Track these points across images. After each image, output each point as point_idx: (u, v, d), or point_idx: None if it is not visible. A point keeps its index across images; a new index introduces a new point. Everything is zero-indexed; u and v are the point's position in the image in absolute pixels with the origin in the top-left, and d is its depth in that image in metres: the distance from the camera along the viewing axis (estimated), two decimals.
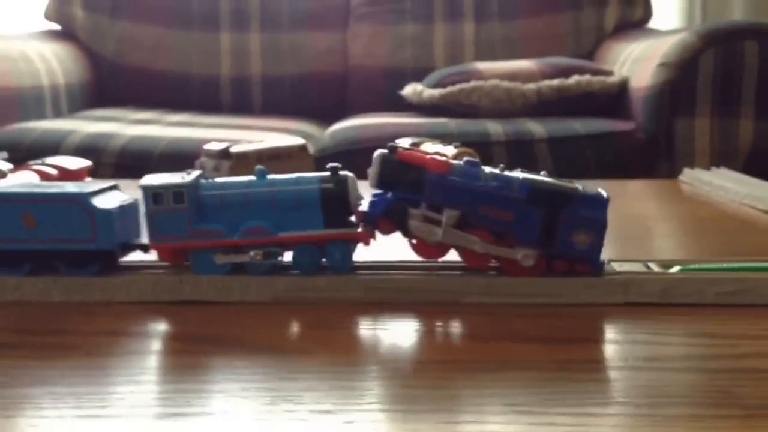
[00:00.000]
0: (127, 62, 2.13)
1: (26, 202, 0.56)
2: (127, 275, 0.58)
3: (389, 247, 0.60)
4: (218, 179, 0.59)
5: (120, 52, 2.13)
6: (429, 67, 2.05)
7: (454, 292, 0.57)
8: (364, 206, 0.57)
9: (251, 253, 0.56)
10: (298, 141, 1.06)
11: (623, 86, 1.73)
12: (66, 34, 2.11)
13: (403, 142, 1.07)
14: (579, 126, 1.63)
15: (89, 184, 0.60)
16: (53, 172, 0.74)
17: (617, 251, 0.73)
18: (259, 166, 0.59)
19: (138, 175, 1.10)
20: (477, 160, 0.97)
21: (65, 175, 0.74)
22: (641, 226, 0.86)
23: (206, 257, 0.57)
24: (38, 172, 0.73)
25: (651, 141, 1.60)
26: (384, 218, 0.57)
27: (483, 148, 1.36)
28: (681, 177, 1.13)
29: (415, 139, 1.07)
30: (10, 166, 0.76)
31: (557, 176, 0.58)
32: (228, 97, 2.14)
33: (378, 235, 0.59)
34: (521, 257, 0.56)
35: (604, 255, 0.57)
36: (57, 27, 2.13)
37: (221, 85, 2.14)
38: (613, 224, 0.79)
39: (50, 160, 0.77)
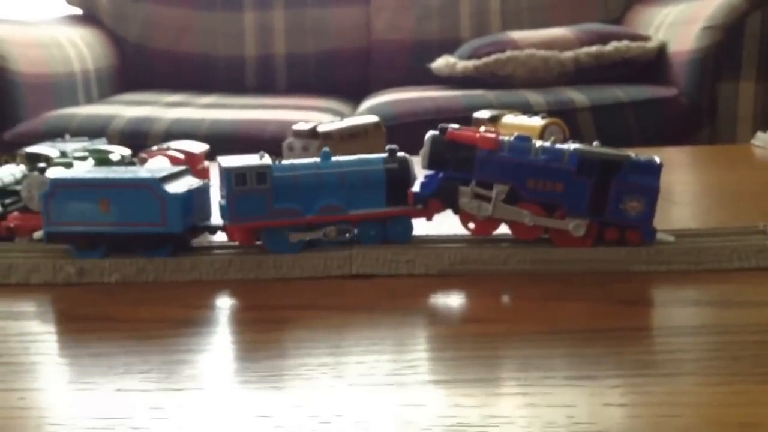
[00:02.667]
0: (152, 45, 2.11)
1: (103, 187, 0.58)
2: (313, 253, 0.59)
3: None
4: (285, 161, 0.61)
5: (144, 35, 2.11)
6: (455, 39, 2.05)
7: (622, 261, 0.57)
8: (415, 187, 0.60)
9: (326, 230, 0.59)
10: (374, 119, 1.05)
11: (661, 51, 1.73)
12: (89, 19, 2.09)
13: (483, 115, 1.07)
14: (621, 93, 1.63)
15: (162, 170, 0.61)
16: (180, 156, 0.74)
17: (742, 215, 0.73)
18: (324, 149, 0.61)
19: None
20: (562, 129, 0.98)
21: (190, 158, 0.74)
22: (747, 191, 0.86)
23: (280, 236, 0.59)
24: (168, 157, 0.73)
25: (694, 106, 1.61)
26: (434, 198, 0.59)
27: None
28: (753, 141, 1.13)
29: (495, 112, 1.06)
30: (129, 151, 0.76)
31: (614, 147, 0.60)
32: (252, 77, 2.13)
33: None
34: (572, 227, 0.57)
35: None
36: (79, 11, 2.11)
37: (246, 65, 2.13)
38: (721, 190, 0.79)
39: (175, 144, 0.77)
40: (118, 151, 0.76)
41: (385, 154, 0.60)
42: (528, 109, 1.57)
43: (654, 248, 0.58)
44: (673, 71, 1.69)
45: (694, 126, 1.62)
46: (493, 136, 0.58)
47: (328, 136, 0.96)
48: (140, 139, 1.50)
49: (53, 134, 1.53)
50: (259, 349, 0.46)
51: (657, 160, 0.58)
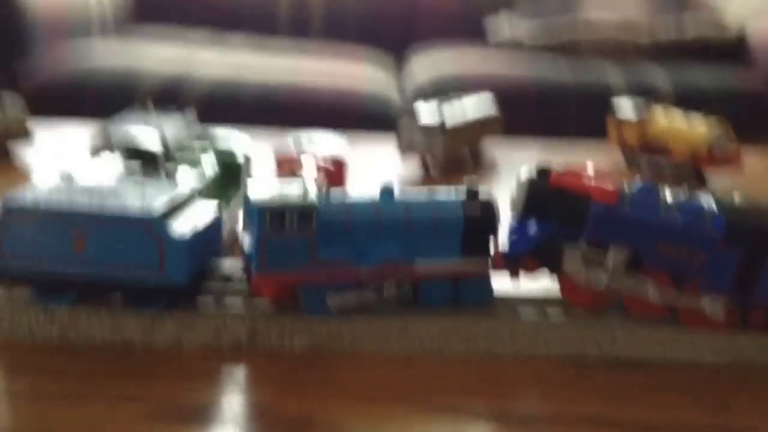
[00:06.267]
0: None
1: (79, 219, 0.44)
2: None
3: None
4: (336, 196, 0.48)
5: None
6: None
7: None
8: (503, 244, 0.48)
9: (385, 287, 0.46)
10: (494, 113, 1.01)
11: (741, 34, 1.62)
12: None
13: (627, 115, 0.94)
14: (705, 78, 1.51)
15: (160, 196, 0.46)
16: (330, 168, 0.61)
17: None
18: (386, 184, 0.48)
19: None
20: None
21: (338, 170, 0.63)
22: None
23: (323, 294, 0.46)
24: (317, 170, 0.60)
25: None
26: (531, 257, 0.48)
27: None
28: None
29: (639, 105, 0.96)
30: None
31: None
32: (286, 18, 1.92)
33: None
34: (709, 308, 0.46)
35: None
36: None
37: (279, 3, 1.92)
38: None
39: (314, 146, 0.64)
40: (239, 152, 0.60)
41: (462, 196, 0.48)
42: (608, 92, 1.42)
43: None
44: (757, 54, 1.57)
45: None
46: (612, 188, 0.46)
47: (455, 132, 0.92)
48: (178, 104, 1.32)
49: (75, 90, 1.36)
50: None
51: None
